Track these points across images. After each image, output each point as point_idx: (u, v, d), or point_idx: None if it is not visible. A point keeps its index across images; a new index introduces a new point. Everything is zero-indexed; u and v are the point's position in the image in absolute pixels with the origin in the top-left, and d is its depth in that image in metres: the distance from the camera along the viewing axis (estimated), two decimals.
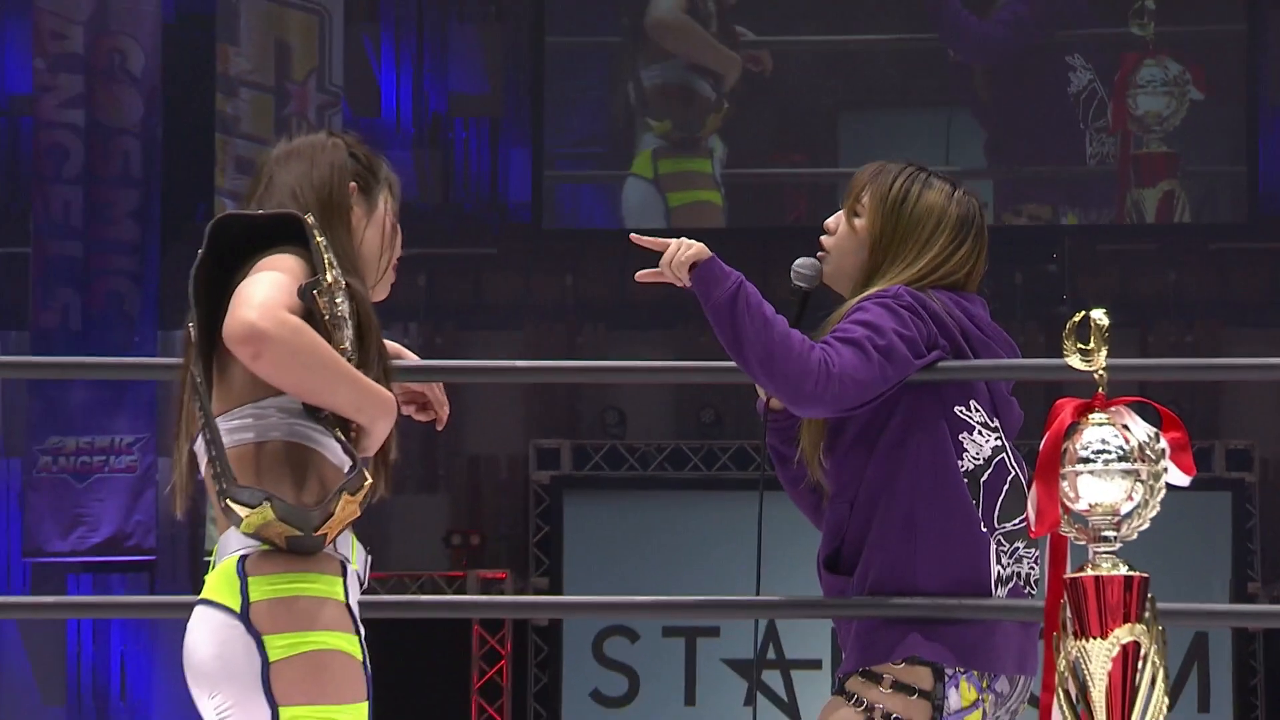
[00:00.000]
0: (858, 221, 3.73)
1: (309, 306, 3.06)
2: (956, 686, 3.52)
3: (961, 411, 3.62)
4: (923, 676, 3.53)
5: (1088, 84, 12.21)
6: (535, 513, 12.20)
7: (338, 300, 3.09)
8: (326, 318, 3.07)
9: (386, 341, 3.62)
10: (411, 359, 3.62)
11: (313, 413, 3.10)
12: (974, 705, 3.52)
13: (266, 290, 3.04)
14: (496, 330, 12.58)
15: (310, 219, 3.14)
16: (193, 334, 3.15)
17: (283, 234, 3.14)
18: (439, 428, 3.66)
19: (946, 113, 12.38)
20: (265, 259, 3.11)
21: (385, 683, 11.94)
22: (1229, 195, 12.54)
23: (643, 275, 3.85)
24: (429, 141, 13.10)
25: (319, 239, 3.12)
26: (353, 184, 3.25)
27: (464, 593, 11.69)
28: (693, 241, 3.76)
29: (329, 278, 3.09)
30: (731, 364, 3.74)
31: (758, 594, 3.98)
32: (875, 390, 3.56)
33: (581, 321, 12.78)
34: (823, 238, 3.78)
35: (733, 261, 3.68)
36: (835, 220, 3.76)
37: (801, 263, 3.76)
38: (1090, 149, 12.29)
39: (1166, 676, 2.69)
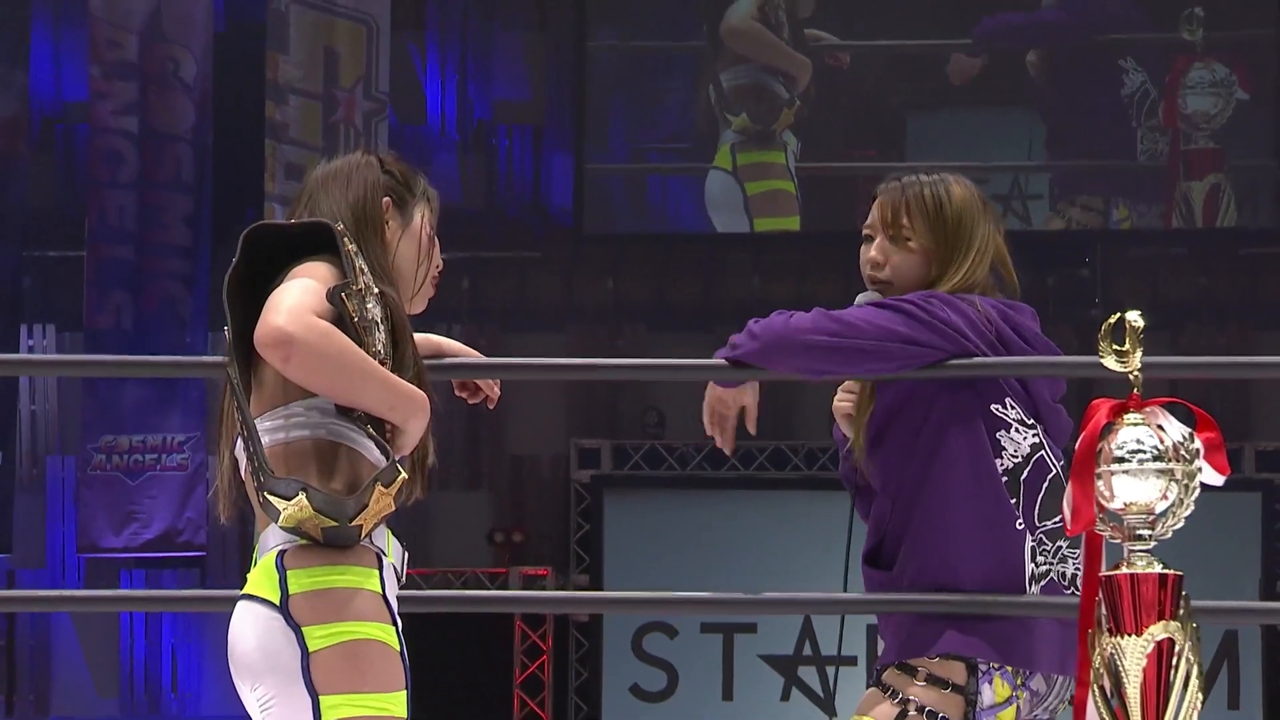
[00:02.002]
0: (910, 244, 3.68)
1: (339, 310, 3.09)
2: (990, 682, 3.50)
3: (998, 410, 3.60)
4: (957, 671, 3.51)
5: (1140, 85, 12.63)
6: (576, 511, 12.21)
7: (368, 304, 3.12)
8: (356, 320, 3.09)
9: (446, 340, 3.67)
10: (471, 355, 3.64)
11: (346, 412, 3.12)
12: (1008, 701, 3.50)
13: (296, 296, 3.07)
14: (538, 332, 12.59)
15: (340, 227, 3.17)
16: (229, 339, 3.18)
17: (315, 243, 3.17)
18: (490, 406, 3.68)
19: (1008, 112, 12.71)
20: (298, 267, 3.15)
21: (429, 677, 11.95)
22: (1273, 190, 12.72)
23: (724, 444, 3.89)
24: (473, 147, 13.13)
25: (349, 246, 3.15)
26: (386, 199, 3.28)
27: (506, 589, 11.69)
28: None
29: (359, 283, 3.11)
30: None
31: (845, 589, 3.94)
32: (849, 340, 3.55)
33: (622, 323, 12.78)
34: (872, 273, 3.73)
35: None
36: (880, 253, 3.71)
37: (863, 298, 3.72)
38: (1141, 145, 12.62)
39: (1201, 673, 2.66)
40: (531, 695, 11.95)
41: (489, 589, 11.66)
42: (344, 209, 3.23)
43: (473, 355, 3.66)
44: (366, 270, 3.15)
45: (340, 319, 3.08)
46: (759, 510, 11.97)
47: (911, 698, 3.50)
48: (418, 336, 3.49)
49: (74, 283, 12.55)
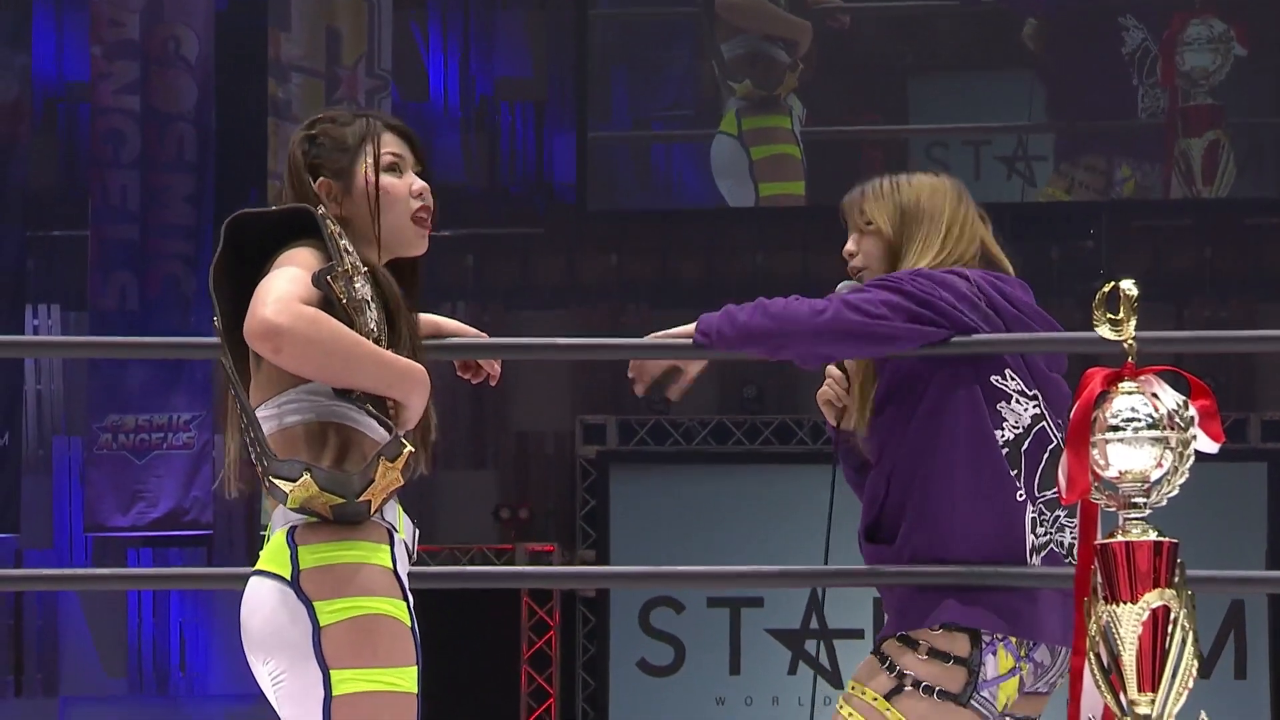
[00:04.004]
0: (872, 228, 3.76)
1: (326, 294, 3.05)
2: (994, 653, 3.50)
3: (997, 381, 3.61)
4: (959, 643, 3.51)
5: (1140, 43, 12.62)
6: (582, 487, 12.22)
7: (356, 283, 3.07)
8: (345, 301, 3.05)
9: (444, 319, 3.64)
10: (470, 333, 3.63)
11: (344, 393, 3.10)
12: (1011, 672, 3.50)
13: (281, 285, 3.04)
14: (542, 310, 12.61)
15: (321, 210, 3.12)
16: (218, 329, 3.16)
17: (300, 226, 3.13)
18: (493, 383, 3.66)
19: (1009, 74, 12.73)
20: (283, 254, 3.11)
21: (438, 653, 11.98)
22: (1273, 147, 12.69)
23: (673, 392, 3.95)
24: (476, 125, 13.12)
25: (333, 228, 3.10)
26: (321, 180, 3.20)
27: (513, 565, 11.71)
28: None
29: (345, 264, 3.07)
30: None
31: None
32: (872, 317, 3.60)
33: (625, 300, 12.78)
34: (850, 265, 3.81)
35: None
36: (853, 243, 3.80)
37: (842, 286, 3.78)
38: (1142, 103, 12.62)
39: (1196, 640, 2.69)
40: (539, 670, 11.97)
41: (496, 565, 11.70)
42: (288, 190, 3.21)
43: (472, 333, 3.65)
44: (352, 249, 3.10)
45: (328, 302, 3.04)
46: (765, 484, 11.97)
47: (909, 672, 3.50)
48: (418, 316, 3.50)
49: (78, 263, 12.57)
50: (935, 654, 3.51)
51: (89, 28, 12.57)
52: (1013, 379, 3.62)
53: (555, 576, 11.08)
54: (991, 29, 12.79)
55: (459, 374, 3.68)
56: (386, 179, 3.20)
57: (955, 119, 12.60)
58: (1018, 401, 3.60)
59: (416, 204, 3.22)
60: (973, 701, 3.50)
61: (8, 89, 12.55)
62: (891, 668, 3.54)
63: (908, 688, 3.50)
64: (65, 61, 13.15)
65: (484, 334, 3.73)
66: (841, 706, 3.57)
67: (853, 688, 3.57)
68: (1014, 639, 3.52)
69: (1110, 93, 12.62)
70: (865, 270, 3.77)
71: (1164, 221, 12.79)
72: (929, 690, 3.49)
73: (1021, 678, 3.53)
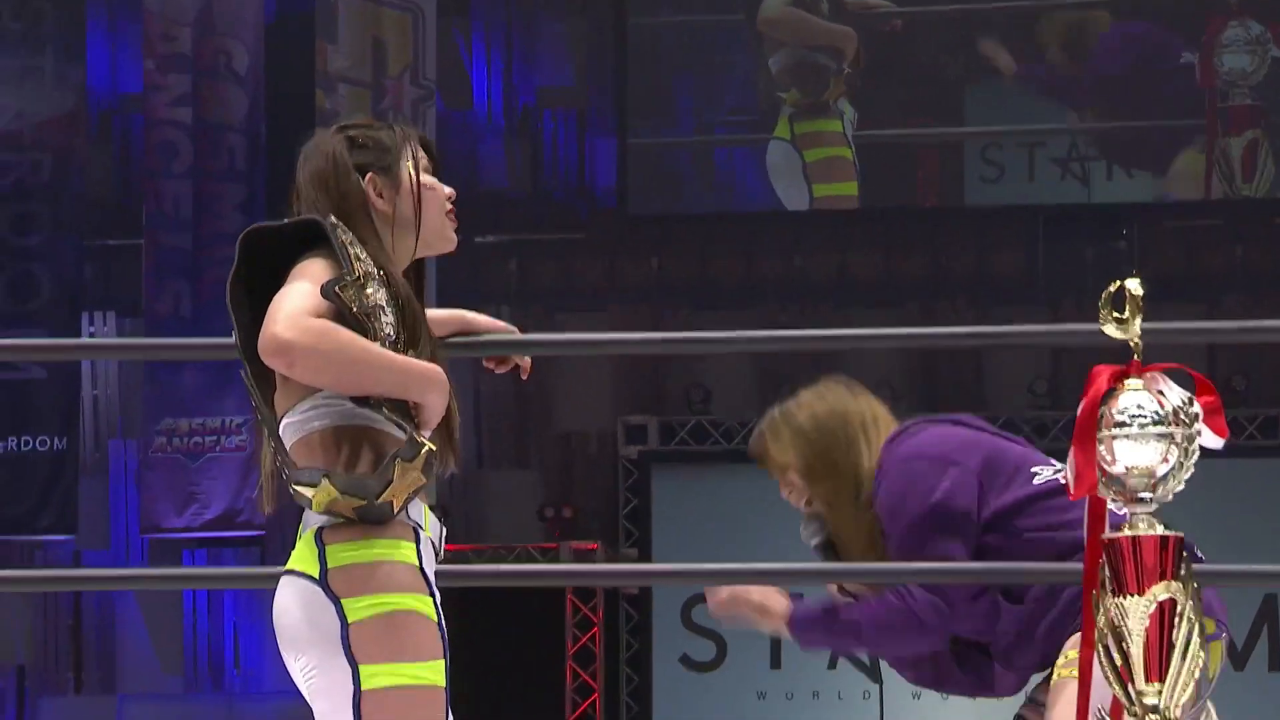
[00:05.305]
0: (794, 477, 3.83)
1: (337, 305, 3.07)
2: None
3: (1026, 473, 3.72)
4: None
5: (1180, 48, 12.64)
6: (625, 486, 12.23)
7: (368, 291, 3.10)
8: (356, 310, 3.07)
9: (472, 314, 3.63)
10: (499, 327, 3.63)
11: (363, 399, 3.11)
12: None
13: (292, 301, 3.06)
14: (584, 313, 12.62)
15: (332, 220, 3.16)
16: (237, 343, 3.19)
17: (311, 238, 3.16)
18: (524, 376, 3.65)
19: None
20: (296, 267, 3.14)
21: (484, 649, 12.02)
22: None
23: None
24: (518, 132, 13.15)
25: (344, 237, 3.13)
26: (369, 176, 3.24)
27: (557, 563, 11.72)
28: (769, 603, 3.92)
29: (356, 272, 3.09)
30: (806, 333, 3.76)
31: None
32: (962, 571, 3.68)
33: (666, 303, 12.79)
34: (802, 510, 3.87)
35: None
36: (784, 492, 3.89)
37: (804, 533, 3.86)
38: (1183, 105, 12.65)
39: (1203, 633, 2.69)
40: (583, 666, 11.98)
41: (541, 564, 11.71)
42: (326, 207, 3.21)
43: (500, 327, 3.65)
44: (364, 256, 3.13)
45: (339, 313, 3.06)
46: None
47: None
48: (443, 312, 3.53)
49: (133, 271, 12.64)
50: None
51: (142, 42, 12.65)
52: (1043, 467, 3.71)
53: (599, 575, 11.07)
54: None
55: (484, 364, 3.67)
56: (426, 178, 3.27)
57: (1008, 121, 12.61)
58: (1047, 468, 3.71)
59: (449, 206, 3.30)
60: None
61: (64, 101, 12.65)
62: None
63: None
64: (119, 75, 13.23)
65: (514, 329, 3.71)
66: (1060, 670, 3.56)
67: (1065, 655, 3.57)
68: None
69: (1155, 95, 12.64)
70: (815, 506, 3.84)
71: (1196, 221, 12.75)
72: None
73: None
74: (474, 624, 11.23)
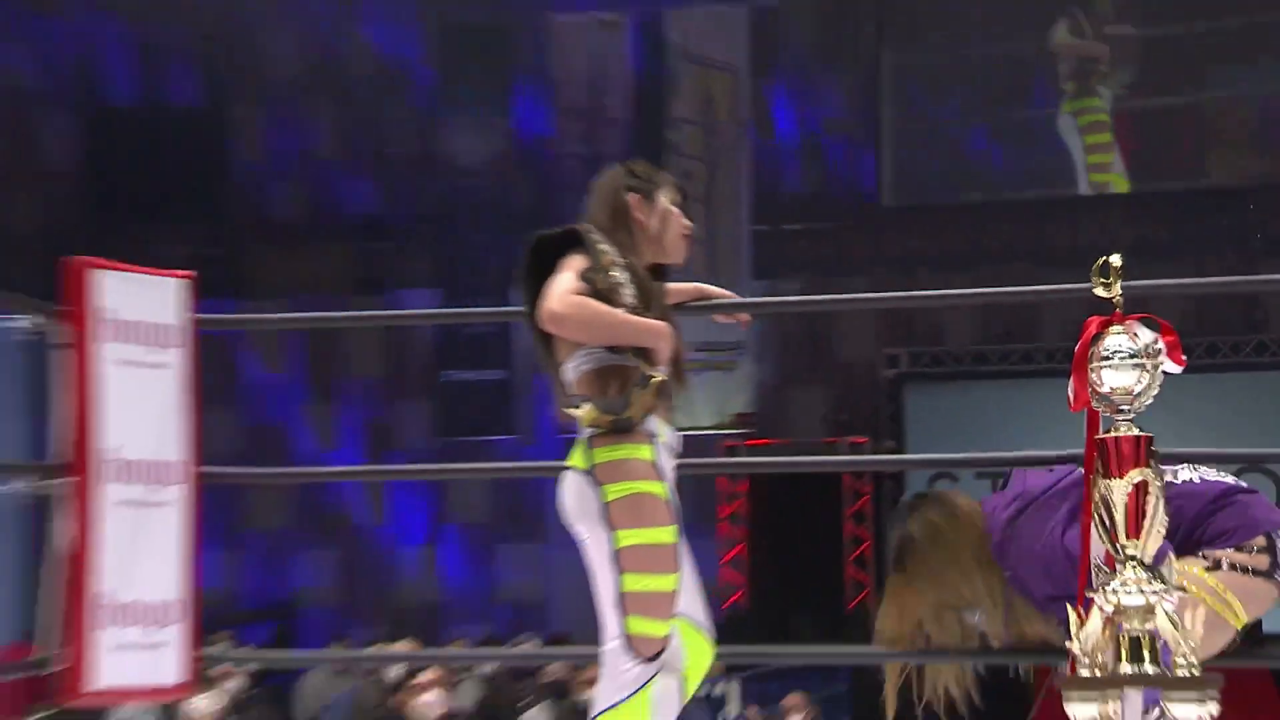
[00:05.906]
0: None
1: (591, 285, 3.14)
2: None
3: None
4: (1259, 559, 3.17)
5: None
6: (885, 398, 12.10)
7: (613, 274, 3.14)
8: (603, 288, 3.13)
9: (706, 286, 3.64)
10: (725, 295, 3.61)
11: (612, 349, 3.17)
12: None
13: (559, 284, 3.13)
14: (853, 277, 12.51)
15: (587, 225, 3.22)
16: (526, 316, 3.24)
17: (576, 242, 3.23)
18: (743, 328, 3.63)
19: None
20: (564, 261, 3.20)
21: (787, 515, 11.80)
22: None
23: None
24: (808, 153, 13.11)
25: (594, 239, 3.19)
26: (631, 195, 3.29)
27: (837, 455, 11.68)
28: None
29: (603, 262, 3.15)
30: (997, 290, 3.65)
31: None
32: None
33: (913, 270, 12.61)
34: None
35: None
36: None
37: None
38: None
39: (1165, 500, 2.67)
40: (857, 523, 11.88)
41: (826, 454, 11.66)
42: (599, 214, 3.28)
43: (725, 294, 3.64)
44: (610, 250, 3.19)
45: (593, 291, 3.13)
46: (1009, 394, 11.71)
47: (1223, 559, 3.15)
48: (686, 285, 3.55)
49: None
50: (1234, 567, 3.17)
51: (552, 96, 12.89)
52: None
53: (868, 462, 11.02)
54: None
55: (713, 317, 3.67)
56: (673, 209, 3.32)
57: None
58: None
59: (685, 230, 3.34)
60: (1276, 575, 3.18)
61: (499, 143, 12.97)
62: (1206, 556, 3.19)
63: (1224, 566, 3.16)
64: (535, 121, 13.51)
65: (734, 294, 3.70)
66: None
67: (1179, 571, 3.06)
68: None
69: None
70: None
71: None
72: (1243, 569, 3.15)
73: None
74: (780, 495, 11.31)
